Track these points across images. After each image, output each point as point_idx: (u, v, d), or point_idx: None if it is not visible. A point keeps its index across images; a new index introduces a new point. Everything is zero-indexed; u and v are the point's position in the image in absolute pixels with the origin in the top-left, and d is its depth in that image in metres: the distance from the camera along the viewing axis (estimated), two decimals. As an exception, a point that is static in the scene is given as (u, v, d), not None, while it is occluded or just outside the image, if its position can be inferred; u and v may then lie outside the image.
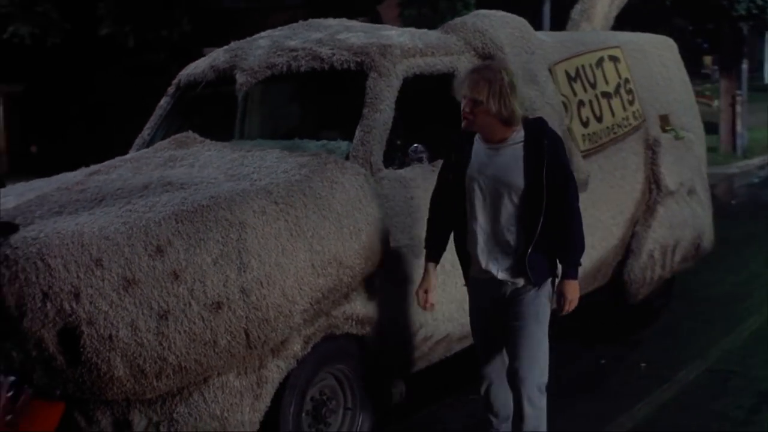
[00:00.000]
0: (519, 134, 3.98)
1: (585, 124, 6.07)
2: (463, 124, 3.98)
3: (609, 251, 6.32)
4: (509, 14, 5.71)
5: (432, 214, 4.27)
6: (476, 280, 4.19)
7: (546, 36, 6.16)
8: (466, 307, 4.96)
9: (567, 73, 6.01)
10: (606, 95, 6.37)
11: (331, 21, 5.62)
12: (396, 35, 5.13)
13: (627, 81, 6.66)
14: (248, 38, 5.66)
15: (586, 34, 7.10)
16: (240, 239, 3.85)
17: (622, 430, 5.19)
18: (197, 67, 5.76)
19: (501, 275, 4.05)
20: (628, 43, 6.93)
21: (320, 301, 4.09)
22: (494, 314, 4.15)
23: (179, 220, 3.83)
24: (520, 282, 4.04)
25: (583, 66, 6.20)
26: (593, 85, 6.25)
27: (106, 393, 3.77)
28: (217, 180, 4.23)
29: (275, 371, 4.01)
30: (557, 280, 4.12)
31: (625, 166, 6.47)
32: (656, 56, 7.22)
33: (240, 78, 5.24)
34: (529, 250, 3.96)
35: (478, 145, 4.06)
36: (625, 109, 6.55)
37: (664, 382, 5.85)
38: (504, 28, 5.49)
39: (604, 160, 6.24)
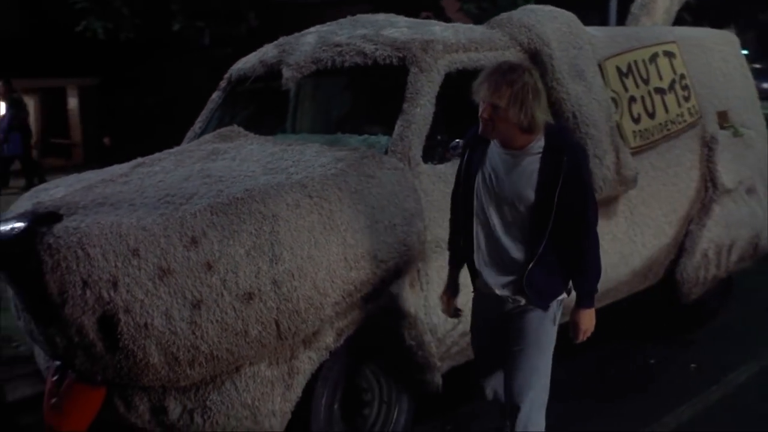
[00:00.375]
0: (539, 143, 3.64)
1: (636, 121, 5.99)
2: (480, 130, 3.69)
3: (660, 250, 6.23)
4: (558, 9, 5.66)
5: (453, 215, 4.07)
6: (479, 292, 3.97)
7: (597, 31, 6.08)
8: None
9: (618, 69, 5.94)
10: (659, 91, 6.27)
11: (378, 16, 5.66)
12: (439, 31, 5.14)
13: (683, 77, 6.54)
14: (296, 33, 5.73)
15: (641, 30, 6.99)
16: (273, 232, 3.91)
17: (666, 430, 5.12)
18: (247, 62, 5.86)
19: (500, 291, 3.80)
20: (685, 38, 6.80)
21: (353, 294, 4.13)
22: (495, 330, 3.92)
23: (214, 212, 3.91)
24: (522, 301, 3.78)
25: (635, 61, 6.11)
26: (646, 81, 6.16)
27: (142, 379, 3.88)
28: (255, 173, 4.30)
29: (307, 362, 4.06)
30: (572, 308, 3.85)
31: (679, 163, 6.37)
32: (716, 51, 7.07)
33: (286, 73, 5.31)
34: (529, 267, 3.68)
35: (494, 148, 3.75)
36: (679, 105, 6.43)
37: (714, 384, 5.76)
38: (551, 23, 5.45)
39: (656, 157, 6.15)
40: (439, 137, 4.83)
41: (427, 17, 12.64)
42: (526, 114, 3.51)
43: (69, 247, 3.85)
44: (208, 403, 3.90)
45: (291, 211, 3.98)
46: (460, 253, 4.01)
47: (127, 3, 14.71)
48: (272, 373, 3.97)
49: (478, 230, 3.81)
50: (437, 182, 4.66)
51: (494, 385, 4.13)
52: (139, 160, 4.77)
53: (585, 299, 3.78)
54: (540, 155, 3.60)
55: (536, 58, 5.33)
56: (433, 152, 4.82)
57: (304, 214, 4.01)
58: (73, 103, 22.83)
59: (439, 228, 4.57)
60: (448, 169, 4.76)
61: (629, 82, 6.00)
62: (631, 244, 5.91)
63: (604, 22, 12.92)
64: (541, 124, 3.60)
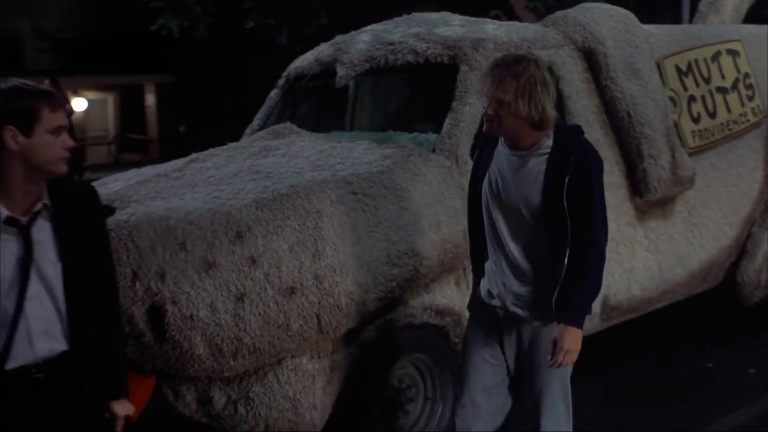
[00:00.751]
0: (548, 142, 3.29)
1: (696, 120, 5.89)
2: (485, 128, 3.36)
3: (720, 252, 6.12)
4: (615, 7, 5.61)
5: (470, 223, 3.66)
6: (484, 304, 3.53)
7: (657, 30, 6.00)
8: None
9: (677, 68, 5.85)
10: (721, 90, 6.15)
11: (432, 15, 5.68)
12: (491, 29, 5.14)
13: (747, 76, 6.41)
14: (353, 32, 5.78)
15: (703, 28, 6.87)
16: (316, 227, 3.97)
17: (718, 433, 5.05)
18: (304, 60, 5.94)
19: (512, 307, 3.40)
20: (750, 36, 6.66)
21: (395, 291, 4.17)
22: (498, 348, 3.50)
23: (259, 207, 3.99)
24: (536, 318, 3.38)
25: (696, 60, 6.01)
26: (707, 80, 6.05)
27: (188, 369, 3.98)
28: (302, 170, 4.37)
29: (349, 357, 4.11)
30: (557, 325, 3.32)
31: (741, 164, 6.25)
32: (784, 50, 6.91)
33: (340, 71, 5.38)
34: (550, 283, 3.28)
35: (501, 150, 3.40)
36: (743, 104, 6.31)
37: (771, 389, 5.64)
38: (606, 21, 5.40)
39: (716, 158, 6.04)
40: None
41: (496, 15, 12.61)
42: (536, 107, 3.18)
43: (120, 240, 3.98)
44: (251, 394, 3.98)
45: (334, 207, 4.03)
46: (482, 263, 3.59)
47: (199, 2, 14.98)
48: (314, 366, 4.03)
49: (488, 240, 3.47)
50: (485, 180, 4.66)
51: (471, 415, 3.54)
52: (193, 155, 4.89)
53: (574, 315, 3.26)
54: (547, 155, 3.27)
55: (591, 56, 5.29)
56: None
57: (347, 210, 4.06)
58: (150, 100, 23.38)
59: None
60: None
61: (689, 81, 5.91)
62: (688, 245, 5.82)
63: (677, 20, 12.70)
64: (552, 119, 3.26)
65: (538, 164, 3.28)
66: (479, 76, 3.34)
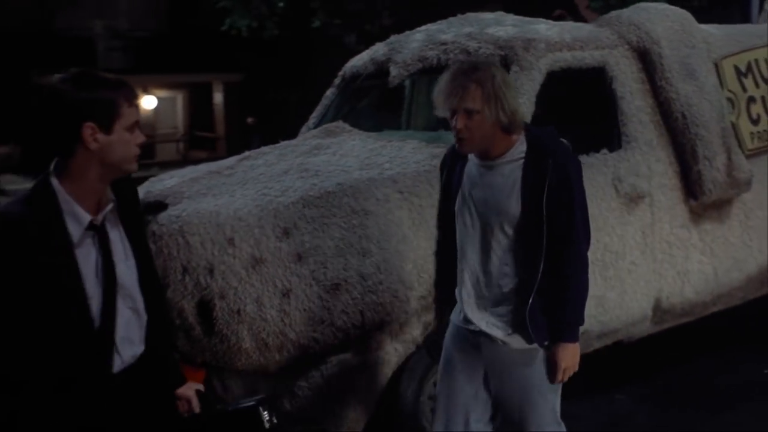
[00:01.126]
0: (520, 147, 3.10)
1: (755, 122, 5.79)
2: (457, 147, 3.12)
3: (780, 255, 6.01)
4: (671, 7, 5.54)
5: (440, 247, 3.45)
6: (459, 328, 3.30)
7: (716, 29, 5.91)
8: (605, 303, 4.91)
9: (736, 68, 5.75)
10: (783, 91, 6.03)
11: (486, 15, 5.67)
12: (544, 29, 5.13)
13: (810, 76, 6.27)
14: (407, 32, 5.82)
15: (765, 27, 6.73)
16: (362, 225, 4.02)
17: (766, 443, 4.96)
18: (360, 60, 5.99)
19: (491, 330, 3.17)
20: (816, 36, 6.51)
21: (440, 289, 4.18)
22: (476, 371, 3.27)
23: (306, 205, 4.06)
24: (517, 341, 3.15)
25: (756, 60, 5.90)
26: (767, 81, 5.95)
27: (235, 363, 4.06)
28: (351, 168, 4.42)
29: (393, 354, 4.15)
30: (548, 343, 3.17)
31: (802, 166, 6.11)
32: None
33: (393, 71, 5.41)
34: (530, 300, 3.08)
35: (472, 163, 3.20)
36: (805, 106, 6.17)
37: (829, 398, 5.51)
38: (662, 21, 5.34)
39: (777, 160, 5.93)
40: (535, 128, 4.81)
41: (560, 15, 12.48)
42: (505, 110, 2.99)
43: (171, 235, 4.08)
44: (295, 389, 4.05)
45: (380, 205, 4.08)
46: (448, 287, 3.35)
47: (265, 1, 15.17)
48: (357, 362, 4.07)
49: (461, 260, 3.24)
50: (534, 181, 4.65)
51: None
52: (246, 153, 4.97)
53: (567, 332, 3.13)
54: (522, 161, 3.08)
55: (645, 57, 5.24)
56: (532, 151, 4.81)
57: (393, 209, 4.10)
58: (218, 98, 23.72)
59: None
60: (547, 168, 4.75)
61: (748, 81, 5.81)
62: (745, 249, 5.72)
63: (746, 19, 12.45)
64: (522, 120, 3.14)
65: (513, 171, 3.08)
66: (435, 93, 3.06)
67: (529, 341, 3.12)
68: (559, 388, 3.25)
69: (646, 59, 5.24)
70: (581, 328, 4.69)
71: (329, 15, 16.54)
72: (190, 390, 2.73)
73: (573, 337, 3.15)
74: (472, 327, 3.22)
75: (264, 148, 5.04)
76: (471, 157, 3.19)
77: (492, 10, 6.11)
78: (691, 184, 5.26)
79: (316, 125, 5.96)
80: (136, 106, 2.41)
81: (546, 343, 3.14)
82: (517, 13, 5.87)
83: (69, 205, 2.29)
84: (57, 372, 2.32)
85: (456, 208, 3.22)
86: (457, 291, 3.27)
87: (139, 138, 2.40)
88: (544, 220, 3.03)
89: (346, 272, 3.96)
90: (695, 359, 6.13)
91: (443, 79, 3.06)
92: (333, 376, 4.04)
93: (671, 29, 5.35)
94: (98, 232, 2.36)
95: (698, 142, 5.18)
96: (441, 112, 3.08)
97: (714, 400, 5.50)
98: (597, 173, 4.88)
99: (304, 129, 6.04)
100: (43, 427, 2.33)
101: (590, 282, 4.69)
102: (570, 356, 3.14)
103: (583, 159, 4.86)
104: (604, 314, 4.93)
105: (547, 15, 10.51)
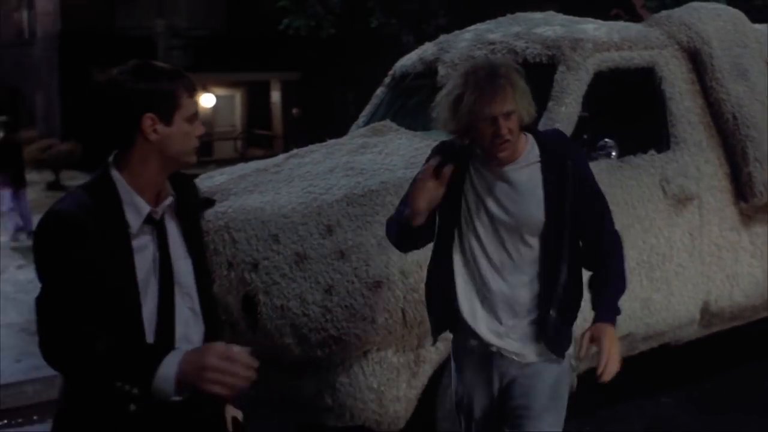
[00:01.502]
0: (533, 151, 2.91)
1: (809, 123, 5.69)
2: (501, 153, 2.83)
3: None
4: (723, 6, 5.49)
5: (436, 261, 3.10)
6: (468, 350, 3.06)
7: (770, 29, 5.83)
8: (651, 305, 4.88)
9: (791, 68, 5.67)
10: (839, 92, 5.92)
11: (535, 14, 5.66)
12: (592, 29, 5.11)
13: None
14: (457, 31, 5.83)
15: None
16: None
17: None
18: (409, 59, 6.02)
19: (506, 344, 2.96)
20: None
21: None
22: (492, 394, 3.06)
23: (350, 202, 4.10)
24: (533, 356, 2.97)
25: (812, 61, 5.80)
26: (824, 81, 5.84)
27: (278, 358, 4.12)
28: (395, 167, 4.46)
29: (434, 352, 4.16)
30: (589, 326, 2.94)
31: None
32: None
33: (441, 70, 5.43)
34: (550, 311, 2.91)
35: (477, 169, 2.95)
36: None
37: None
38: (713, 21, 5.28)
39: (832, 163, 5.82)
40: (585, 136, 4.81)
41: (617, 14, 12.39)
42: (532, 107, 2.84)
43: (217, 231, 4.17)
44: (337, 384, 4.09)
45: (421, 204, 4.09)
46: (452, 304, 3.05)
47: (321, 1, 15.28)
48: (398, 360, 4.10)
49: (468, 275, 2.99)
50: (579, 181, 4.64)
51: None
52: (294, 151, 5.04)
53: (609, 313, 2.95)
54: (539, 164, 2.90)
55: (696, 57, 5.19)
56: (579, 151, 4.80)
57: (434, 207, 4.11)
58: (275, 96, 23.93)
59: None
60: (592, 169, 4.72)
61: (803, 82, 5.71)
62: (799, 253, 5.63)
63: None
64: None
65: (532, 176, 2.90)
66: (467, 102, 2.77)
67: (546, 354, 2.96)
68: (565, 405, 3.08)
69: (697, 59, 5.20)
70: (626, 329, 4.73)
71: (386, 15, 16.60)
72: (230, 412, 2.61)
73: (613, 320, 2.94)
74: (483, 349, 3.00)
75: (311, 146, 5.10)
76: (477, 159, 2.93)
77: (548, 9, 6.10)
78: (741, 186, 5.21)
79: (366, 124, 6.01)
80: (196, 98, 2.35)
81: (566, 353, 3.00)
82: (573, 12, 5.85)
83: (128, 195, 2.25)
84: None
85: (462, 217, 2.96)
86: (461, 309, 2.99)
87: (199, 129, 2.33)
88: (566, 226, 2.89)
89: (387, 270, 3.99)
90: (744, 364, 6.05)
91: (473, 82, 2.79)
92: (374, 373, 4.07)
93: (723, 29, 5.29)
94: (157, 226, 2.30)
95: (749, 143, 5.12)
96: (477, 119, 2.78)
97: (762, 405, 5.43)
98: (644, 174, 4.85)
99: (353, 127, 6.10)
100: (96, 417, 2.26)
101: (636, 283, 4.74)
102: (612, 339, 2.87)
103: (630, 160, 4.87)
104: (650, 316, 4.90)
105: (604, 15, 10.44)
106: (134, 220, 2.25)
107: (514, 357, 2.97)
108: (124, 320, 2.24)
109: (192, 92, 2.30)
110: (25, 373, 6.13)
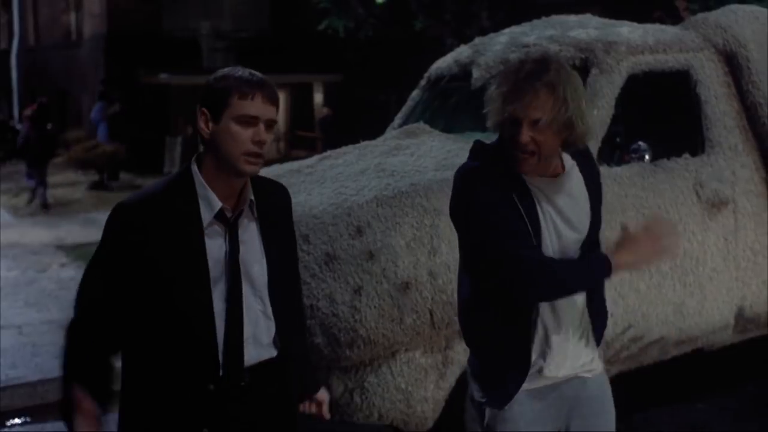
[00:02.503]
0: (569, 161, 2.67)
1: None
2: (520, 167, 2.55)
3: None
4: (761, 9, 5.44)
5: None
6: (533, 392, 2.69)
7: (811, 32, 5.75)
8: (684, 310, 4.85)
9: (830, 72, 5.59)
10: None
11: (570, 17, 5.65)
12: (626, 32, 5.08)
13: None
14: (492, 34, 5.85)
15: None
16: (433, 225, 4.08)
17: None
18: (444, 62, 6.04)
19: (579, 371, 2.71)
20: None
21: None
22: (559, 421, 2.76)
23: (379, 204, 4.14)
24: (595, 368, 2.78)
25: None
26: None
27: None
28: (426, 169, 4.48)
29: (462, 353, 4.17)
30: None
31: None
32: None
33: (475, 73, 5.44)
34: (595, 323, 2.76)
35: (527, 179, 2.60)
36: None
37: None
38: (751, 23, 5.24)
39: None
40: (617, 139, 4.80)
41: (659, 17, 12.28)
42: (582, 119, 2.51)
43: (249, 231, 4.21)
44: (366, 384, 4.12)
45: (453, 206, 4.11)
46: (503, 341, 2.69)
47: (362, 2, 15.34)
48: (426, 360, 4.13)
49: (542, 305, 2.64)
50: (611, 185, 4.62)
51: None
52: (327, 153, 5.09)
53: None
54: (580, 172, 2.69)
55: (732, 60, 5.15)
56: (612, 154, 4.79)
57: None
58: (318, 98, 24.04)
59: (609, 230, 4.54)
60: (624, 172, 4.72)
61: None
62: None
63: None
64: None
65: (577, 185, 2.67)
66: (490, 95, 2.56)
67: (593, 368, 2.76)
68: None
69: (733, 63, 5.16)
70: (659, 334, 4.70)
71: (430, 17, 16.60)
72: (324, 395, 2.72)
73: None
74: (548, 381, 2.69)
75: (345, 148, 5.14)
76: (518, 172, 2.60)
77: (590, 13, 6.08)
78: (778, 191, 5.15)
79: (401, 126, 6.05)
80: (260, 100, 2.29)
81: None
82: (616, 15, 5.83)
83: (203, 189, 2.32)
84: (173, 360, 2.33)
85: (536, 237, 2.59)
86: (536, 344, 2.66)
87: (258, 135, 2.28)
88: (597, 236, 2.72)
89: (416, 271, 4.02)
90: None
91: (504, 75, 2.55)
92: (402, 373, 4.10)
93: (760, 32, 5.25)
94: (230, 227, 2.34)
95: (786, 148, 5.07)
96: (495, 120, 2.55)
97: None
98: (678, 178, 4.83)
99: (388, 129, 6.13)
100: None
101: (669, 288, 4.72)
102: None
103: (664, 163, 4.85)
104: (683, 321, 4.87)
105: (647, 18, 10.33)
106: (206, 215, 2.33)
107: (585, 378, 2.73)
108: (195, 310, 2.31)
109: (248, 94, 2.27)
110: (65, 368, 6.23)
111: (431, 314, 4.03)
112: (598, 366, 2.79)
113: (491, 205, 2.55)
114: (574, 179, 2.65)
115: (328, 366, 4.19)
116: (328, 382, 4.23)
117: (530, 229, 2.55)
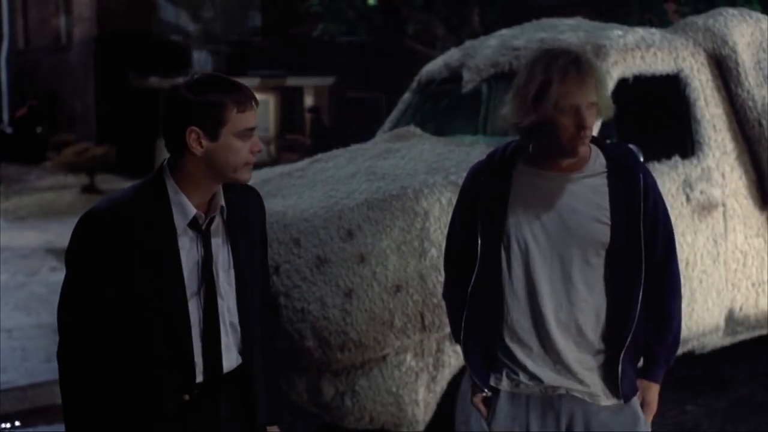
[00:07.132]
0: (599, 160, 2.56)
1: (838, 130, 5.63)
2: (583, 147, 2.49)
3: None
4: (752, 12, 5.45)
5: (477, 286, 2.64)
6: (521, 396, 2.60)
7: (800, 34, 5.78)
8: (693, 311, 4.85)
9: (820, 75, 5.61)
10: None
11: (560, 20, 5.67)
12: (617, 35, 5.09)
13: None
14: (482, 37, 5.86)
15: None
16: (423, 228, 4.08)
17: None
18: (435, 65, 6.06)
19: (574, 385, 2.55)
20: None
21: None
22: None
23: (370, 207, 4.14)
24: (606, 395, 2.56)
25: (841, 67, 5.74)
26: None
27: (299, 361, 4.17)
28: (416, 172, 4.48)
29: (453, 357, 4.18)
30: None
31: None
32: None
33: (466, 75, 5.46)
34: (626, 345, 2.53)
35: (526, 177, 2.57)
36: None
37: None
38: (740, 26, 5.25)
39: None
40: (608, 141, 4.79)
41: (649, 20, 12.36)
42: (610, 100, 2.51)
43: (239, 234, 4.21)
44: (356, 387, 4.13)
45: (442, 208, 4.12)
46: (488, 340, 2.65)
47: (352, 6, 15.35)
48: (417, 364, 4.13)
49: (521, 305, 2.57)
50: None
51: None
52: (318, 156, 5.09)
53: (657, 371, 2.68)
54: (605, 175, 2.53)
55: (721, 63, 5.17)
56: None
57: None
58: (309, 101, 24.03)
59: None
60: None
61: (832, 88, 5.65)
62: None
63: None
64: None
65: (597, 188, 2.52)
66: (556, 87, 2.40)
67: (619, 395, 2.56)
68: None
69: (722, 66, 5.17)
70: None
71: (419, 22, 16.63)
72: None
73: (660, 378, 2.70)
74: (544, 392, 2.57)
75: (335, 152, 5.15)
76: (522, 170, 2.57)
77: (581, 16, 6.10)
78: (766, 193, 5.17)
79: (391, 129, 6.05)
80: (252, 110, 2.24)
81: (631, 397, 2.60)
82: (607, 18, 5.84)
83: (177, 195, 2.26)
84: (151, 369, 2.28)
85: (509, 236, 2.54)
86: (508, 340, 2.59)
87: (255, 145, 2.25)
88: (642, 249, 2.51)
89: (407, 274, 4.02)
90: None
91: (554, 66, 2.43)
92: (393, 376, 4.10)
93: (750, 35, 5.26)
94: (203, 234, 2.29)
95: (775, 152, 5.09)
96: (557, 106, 2.40)
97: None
98: (667, 180, 4.84)
99: (379, 132, 6.14)
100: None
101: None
102: (656, 397, 2.70)
103: (654, 166, 4.86)
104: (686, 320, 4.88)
105: (637, 20, 10.35)
106: (180, 221, 2.27)
107: (587, 400, 2.55)
108: (172, 317, 2.26)
109: (245, 107, 2.21)
110: (54, 373, 6.09)
111: (422, 317, 4.03)
112: (604, 400, 2.57)
113: (455, 213, 2.78)
114: (589, 182, 2.53)
115: (318, 369, 4.20)
116: (319, 385, 4.24)
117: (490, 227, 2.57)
